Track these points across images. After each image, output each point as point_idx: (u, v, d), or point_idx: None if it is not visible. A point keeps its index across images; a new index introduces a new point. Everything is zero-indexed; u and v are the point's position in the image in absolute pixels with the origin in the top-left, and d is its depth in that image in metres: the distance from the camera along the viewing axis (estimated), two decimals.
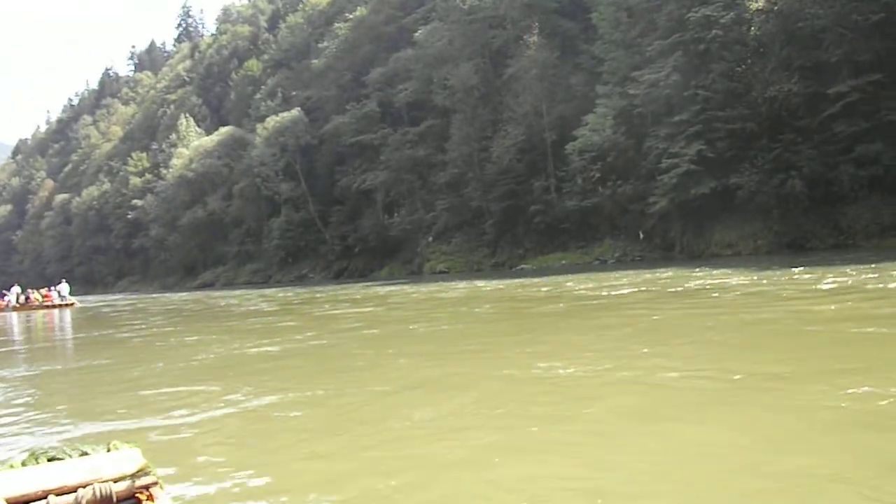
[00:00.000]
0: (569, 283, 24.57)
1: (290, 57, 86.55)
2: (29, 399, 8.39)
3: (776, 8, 35.50)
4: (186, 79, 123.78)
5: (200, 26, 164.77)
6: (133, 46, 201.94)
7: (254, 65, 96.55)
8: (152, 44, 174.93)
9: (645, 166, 40.39)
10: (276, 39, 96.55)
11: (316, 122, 70.91)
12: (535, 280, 29.19)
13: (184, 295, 53.03)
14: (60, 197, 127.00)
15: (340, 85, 70.05)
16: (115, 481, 2.48)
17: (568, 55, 49.46)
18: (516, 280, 30.91)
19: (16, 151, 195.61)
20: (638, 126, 40.72)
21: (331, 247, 66.43)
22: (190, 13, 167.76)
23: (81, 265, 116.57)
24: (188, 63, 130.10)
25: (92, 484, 2.43)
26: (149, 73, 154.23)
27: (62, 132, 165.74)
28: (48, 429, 6.45)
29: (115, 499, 2.43)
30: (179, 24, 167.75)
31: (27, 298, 47.85)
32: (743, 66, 36.52)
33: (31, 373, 11.91)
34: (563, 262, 42.76)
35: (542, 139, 47.32)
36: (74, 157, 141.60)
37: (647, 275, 25.56)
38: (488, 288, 27.28)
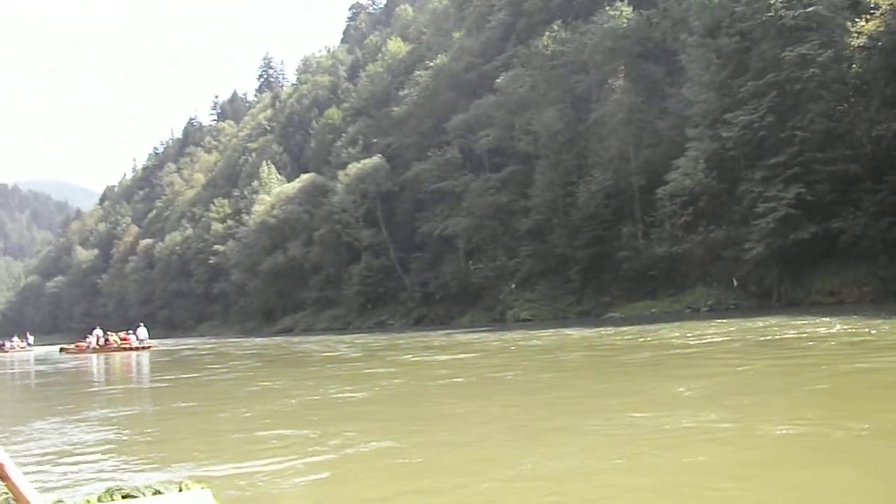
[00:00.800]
0: (661, 331, 23.60)
1: (370, 105, 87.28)
2: (111, 439, 8.23)
3: (879, 44, 34.22)
4: (268, 127, 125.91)
5: (281, 77, 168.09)
6: (216, 97, 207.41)
7: (334, 113, 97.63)
8: (234, 94, 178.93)
9: (738, 211, 39.18)
10: (356, 88, 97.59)
11: (396, 169, 71.16)
12: (625, 328, 28.20)
13: (264, 340, 53.32)
14: (144, 242, 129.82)
15: (421, 132, 70.32)
16: None
17: (653, 99, 48.61)
18: (605, 328, 29.91)
19: (103, 198, 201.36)
20: (730, 169, 39.59)
21: (411, 293, 66.13)
22: (271, 64, 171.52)
23: (163, 309, 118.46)
24: (269, 112, 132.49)
25: None
26: (231, 122, 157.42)
27: (147, 179, 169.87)
28: (127, 468, 6.42)
29: None
30: (261, 76, 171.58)
31: (106, 341, 48.84)
32: (844, 105, 35.28)
33: (114, 414, 11.72)
34: (653, 310, 41.53)
35: (630, 184, 46.45)
36: (159, 204, 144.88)
37: (746, 323, 24.46)
38: (576, 336, 26.41)
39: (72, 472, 6.32)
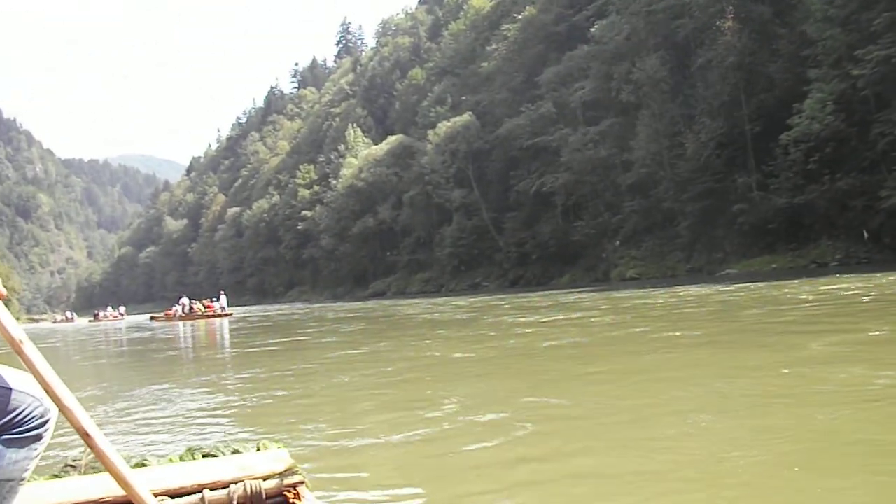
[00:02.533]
0: (789, 289, 21.34)
1: (455, 63, 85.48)
2: (201, 406, 8.09)
3: None
4: (350, 92, 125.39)
5: (360, 41, 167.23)
6: (296, 64, 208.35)
7: (418, 73, 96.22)
8: (314, 61, 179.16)
9: (869, 156, 36.16)
10: (439, 48, 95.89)
11: (486, 127, 69.29)
12: (750, 285, 25.89)
13: (357, 304, 52.63)
14: (232, 210, 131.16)
15: (511, 88, 68.16)
16: (265, 479, 2.49)
17: (764, 40, 45.44)
18: (726, 286, 27.61)
19: (189, 169, 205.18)
20: (861, 111, 36.51)
21: (506, 254, 64.25)
22: (349, 29, 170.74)
23: (252, 276, 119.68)
24: (351, 77, 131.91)
25: (243, 481, 2.45)
26: (312, 90, 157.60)
27: (231, 149, 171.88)
28: (215, 432, 6.37)
29: (264, 495, 2.44)
30: (339, 41, 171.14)
31: (191, 309, 50.98)
32: None
33: (203, 380, 11.57)
34: (773, 266, 38.83)
35: (742, 132, 43.60)
36: (244, 172, 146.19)
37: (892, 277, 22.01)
38: (702, 292, 24.24)
39: (157, 436, 6.43)
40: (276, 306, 76.83)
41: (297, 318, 36.81)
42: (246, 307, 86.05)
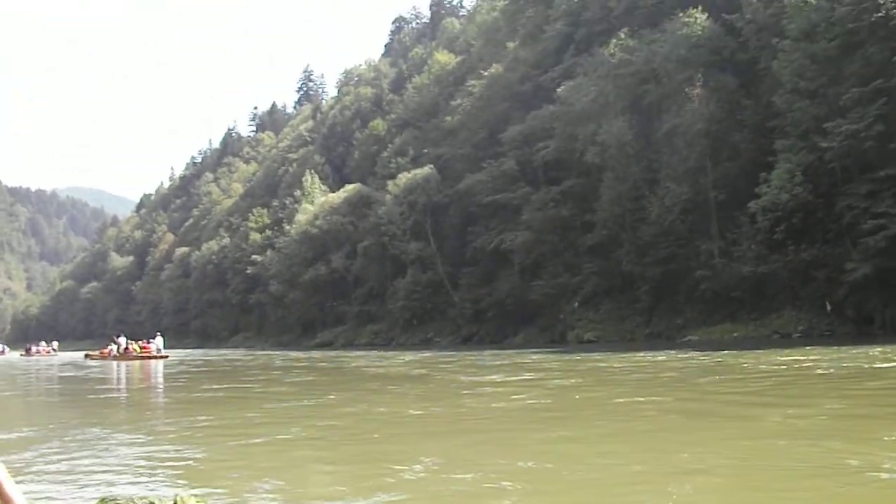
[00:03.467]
0: (771, 355, 20.71)
1: (418, 116, 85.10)
2: (125, 453, 7.78)
3: None
4: (308, 138, 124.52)
5: (321, 89, 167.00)
6: (255, 107, 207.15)
7: (379, 124, 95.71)
8: (273, 105, 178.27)
9: (833, 229, 36.06)
10: (402, 100, 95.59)
11: (446, 181, 68.61)
12: (715, 353, 25.24)
13: (304, 354, 51.55)
14: (180, 250, 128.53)
15: (474, 143, 67.68)
16: None
17: (731, 110, 45.62)
18: (690, 353, 26.91)
19: (140, 206, 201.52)
20: (827, 183, 36.47)
21: (460, 310, 63.11)
22: (311, 77, 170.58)
23: (197, 318, 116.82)
24: (310, 123, 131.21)
25: None
26: (270, 134, 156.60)
27: (184, 188, 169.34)
28: (133, 482, 6.08)
29: None
30: (300, 88, 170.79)
31: (126, 349, 49.98)
32: None
33: (137, 425, 11.29)
34: (735, 334, 38.36)
35: (706, 199, 43.42)
36: (195, 213, 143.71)
37: (853, 351, 21.56)
38: (670, 359, 23.47)
39: (72, 483, 6.17)
40: (219, 351, 75.48)
41: (240, 364, 35.99)
42: (188, 350, 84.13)
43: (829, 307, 36.32)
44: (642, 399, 12.32)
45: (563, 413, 10.98)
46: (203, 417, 11.52)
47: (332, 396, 15.74)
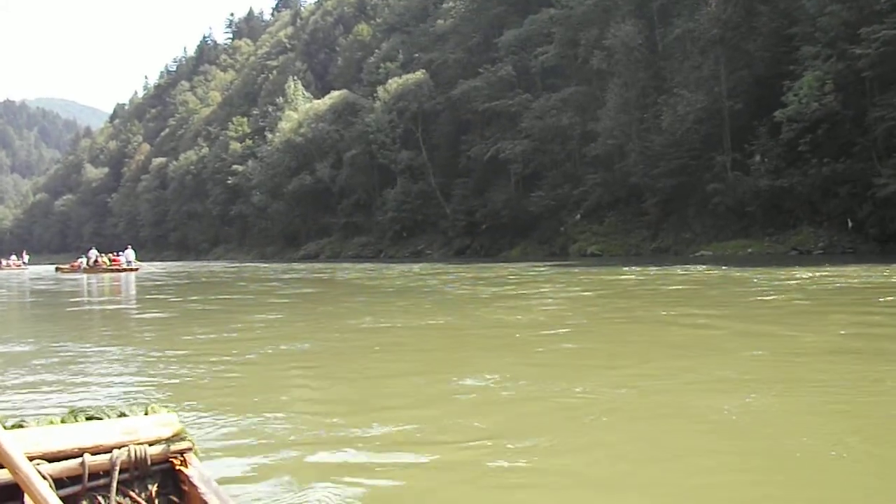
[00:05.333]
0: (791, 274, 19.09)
1: (406, 21, 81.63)
2: (97, 364, 7.65)
3: None
4: (288, 45, 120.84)
5: None
6: (232, 14, 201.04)
7: (364, 29, 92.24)
8: (251, 12, 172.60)
9: (861, 142, 34.11)
10: (387, 4, 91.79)
11: (438, 88, 65.84)
12: (747, 269, 23.53)
13: (289, 265, 49.99)
14: (157, 161, 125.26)
15: (467, 48, 64.78)
16: (151, 444, 2.40)
17: (745, 16, 43.15)
18: (709, 268, 25.20)
19: (113, 116, 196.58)
20: (856, 94, 34.39)
21: (452, 222, 61.10)
22: None
23: (176, 230, 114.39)
24: (290, 30, 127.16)
25: (127, 445, 2.35)
26: (248, 41, 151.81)
27: (159, 97, 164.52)
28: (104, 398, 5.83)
29: (149, 462, 2.37)
30: None
31: (96, 262, 49.49)
32: None
33: (107, 337, 10.97)
34: (749, 250, 36.70)
35: (720, 108, 41.27)
36: (172, 122, 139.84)
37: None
38: (700, 273, 21.78)
39: (41, 396, 5.97)
40: (199, 263, 73.78)
41: (222, 276, 34.68)
42: (165, 262, 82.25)
43: (850, 224, 34.64)
44: (694, 313, 11.43)
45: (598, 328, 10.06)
46: (183, 332, 10.70)
47: (323, 308, 14.98)
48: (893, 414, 4.84)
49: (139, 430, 2.40)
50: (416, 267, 37.47)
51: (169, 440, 2.41)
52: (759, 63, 40.95)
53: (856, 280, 17.06)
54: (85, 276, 42.75)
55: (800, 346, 7.58)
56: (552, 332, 9.38)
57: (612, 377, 6.17)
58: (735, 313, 11.22)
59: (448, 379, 6.32)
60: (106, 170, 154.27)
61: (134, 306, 18.35)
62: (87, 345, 9.52)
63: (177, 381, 6.76)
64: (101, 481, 2.28)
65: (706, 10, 42.07)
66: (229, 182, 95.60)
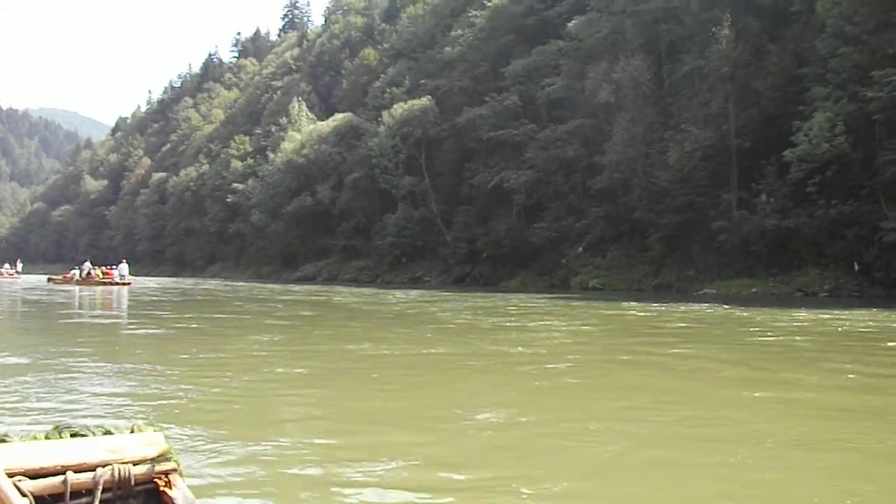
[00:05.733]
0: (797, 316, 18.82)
1: (413, 47, 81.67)
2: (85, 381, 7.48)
3: None
4: (294, 66, 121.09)
5: (306, 18, 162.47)
6: (238, 33, 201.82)
7: (370, 54, 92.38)
8: (257, 32, 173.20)
9: (869, 185, 33.91)
10: (395, 29, 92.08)
11: (444, 114, 65.72)
12: (755, 310, 23.23)
13: (286, 287, 49.68)
14: (157, 176, 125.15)
15: (474, 76, 64.82)
16: (135, 463, 2.39)
17: (755, 55, 43.16)
18: (711, 306, 24.92)
19: (115, 129, 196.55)
20: (866, 136, 34.23)
21: (453, 249, 60.70)
22: (297, 4, 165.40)
23: (173, 246, 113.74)
24: (296, 51, 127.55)
25: (112, 464, 2.34)
26: (253, 60, 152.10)
27: (162, 112, 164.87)
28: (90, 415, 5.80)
29: (133, 481, 2.35)
30: (285, 15, 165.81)
31: (88, 274, 49.61)
32: None
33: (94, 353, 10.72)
34: (754, 290, 36.37)
35: (727, 146, 41.12)
36: (174, 138, 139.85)
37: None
38: (711, 311, 21.47)
39: (25, 411, 5.84)
40: (194, 280, 73.60)
41: (217, 295, 34.42)
42: (160, 278, 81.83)
43: (857, 267, 34.37)
44: (689, 350, 11.65)
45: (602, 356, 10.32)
46: (177, 350, 10.67)
47: (328, 332, 14.95)
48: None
49: (124, 449, 2.38)
50: (414, 293, 37.23)
51: (154, 460, 2.39)
52: (768, 102, 40.90)
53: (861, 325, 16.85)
54: (77, 287, 42.80)
55: (804, 393, 7.70)
56: (552, 366, 9.42)
57: (611, 415, 6.28)
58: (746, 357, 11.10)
59: (446, 410, 6.37)
60: (105, 182, 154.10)
61: (126, 321, 18.09)
62: (77, 359, 9.36)
63: (168, 400, 6.68)
64: (84, 500, 2.25)
65: (716, 48, 41.98)
66: (228, 200, 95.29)
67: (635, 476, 4.49)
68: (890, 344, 12.88)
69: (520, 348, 11.66)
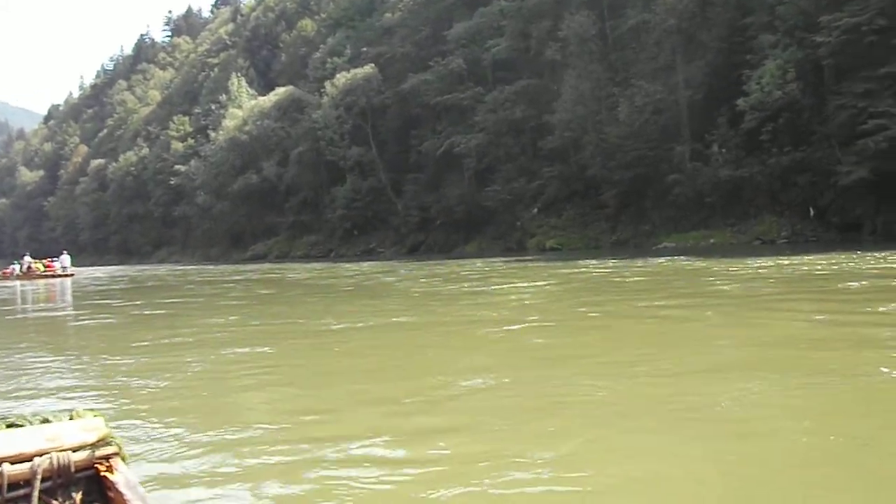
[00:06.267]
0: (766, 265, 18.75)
1: (351, 16, 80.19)
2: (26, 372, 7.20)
3: None
4: (229, 42, 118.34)
5: None
6: (170, 12, 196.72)
7: (308, 25, 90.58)
8: (189, 9, 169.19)
9: (821, 130, 33.91)
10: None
11: (386, 82, 64.63)
12: (733, 261, 23.04)
13: (237, 267, 48.62)
14: (95, 163, 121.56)
15: (416, 42, 63.75)
16: (74, 450, 2.34)
17: (701, 6, 42.91)
18: (669, 260, 24.72)
19: (48, 117, 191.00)
20: (815, 82, 34.17)
21: (404, 219, 59.96)
22: None
23: (117, 234, 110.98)
24: (230, 27, 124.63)
25: (49, 453, 2.29)
26: (187, 39, 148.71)
27: (96, 98, 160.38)
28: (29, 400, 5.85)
29: (73, 469, 2.31)
30: None
31: (29, 268, 48.29)
32: None
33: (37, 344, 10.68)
34: (712, 241, 36.37)
35: (677, 99, 40.91)
36: (110, 122, 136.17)
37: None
38: (677, 264, 21.25)
39: None
40: (141, 267, 71.89)
41: (166, 280, 33.45)
42: (108, 266, 79.91)
43: (812, 213, 34.47)
44: (656, 303, 11.41)
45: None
46: (130, 338, 10.14)
47: (286, 309, 14.72)
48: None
49: (63, 437, 2.32)
50: (367, 265, 36.67)
51: (94, 445, 2.33)
52: (716, 53, 40.71)
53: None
54: (18, 283, 41.91)
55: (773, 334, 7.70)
56: (521, 326, 9.21)
57: (591, 371, 6.14)
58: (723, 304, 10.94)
59: (418, 380, 6.16)
60: (41, 173, 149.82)
61: (74, 313, 17.35)
62: (23, 355, 8.99)
63: (123, 389, 6.42)
64: (22, 491, 2.19)
65: (661, 1, 41.65)
66: (172, 183, 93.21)
67: (624, 435, 4.39)
68: (850, 284, 12.74)
69: (485, 312, 11.37)
